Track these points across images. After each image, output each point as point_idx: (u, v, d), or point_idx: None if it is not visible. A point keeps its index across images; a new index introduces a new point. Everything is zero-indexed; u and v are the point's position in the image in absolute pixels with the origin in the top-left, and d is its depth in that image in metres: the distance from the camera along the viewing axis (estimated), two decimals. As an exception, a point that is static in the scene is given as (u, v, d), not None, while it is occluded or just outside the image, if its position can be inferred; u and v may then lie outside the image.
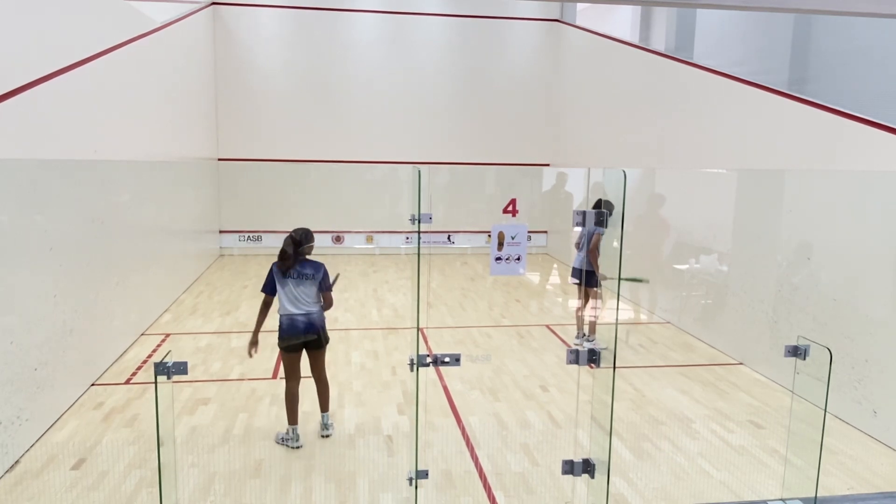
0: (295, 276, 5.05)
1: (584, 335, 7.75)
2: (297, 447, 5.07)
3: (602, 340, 7.25)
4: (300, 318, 5.08)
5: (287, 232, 5.16)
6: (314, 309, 5.13)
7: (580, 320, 8.00)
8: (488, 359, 7.29)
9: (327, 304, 5.22)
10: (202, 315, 8.87)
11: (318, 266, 5.13)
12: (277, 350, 6.91)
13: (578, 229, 7.43)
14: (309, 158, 13.59)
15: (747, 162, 7.65)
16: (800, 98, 6.91)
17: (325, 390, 5.31)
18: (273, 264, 5.13)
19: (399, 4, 13.79)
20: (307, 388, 5.35)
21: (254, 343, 5.14)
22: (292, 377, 5.17)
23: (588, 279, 7.34)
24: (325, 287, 5.15)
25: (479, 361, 7.14)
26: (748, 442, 5.40)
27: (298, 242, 5.06)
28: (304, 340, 5.11)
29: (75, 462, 4.79)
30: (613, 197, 3.54)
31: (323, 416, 5.32)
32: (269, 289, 5.12)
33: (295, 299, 5.07)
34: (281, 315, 5.11)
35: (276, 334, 5.13)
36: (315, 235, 5.22)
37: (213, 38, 13.07)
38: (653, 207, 8.83)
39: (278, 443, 5.13)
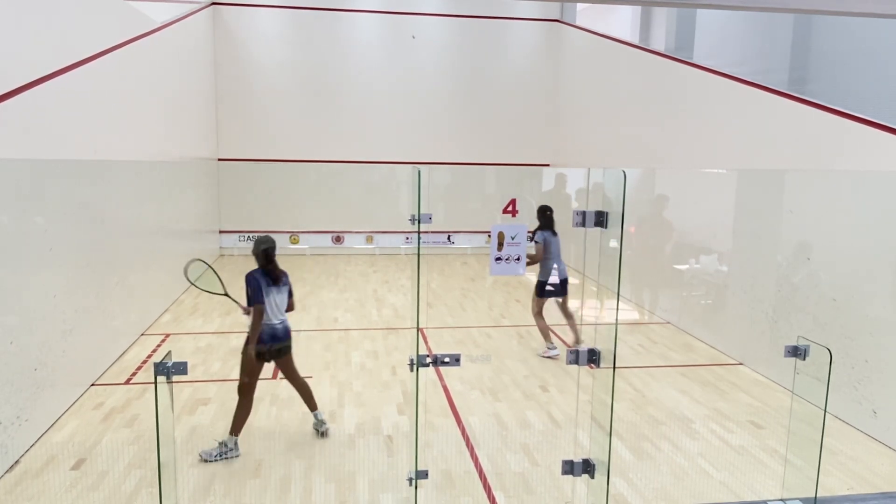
0: (280, 284, 5.04)
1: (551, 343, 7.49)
2: (237, 456, 4.90)
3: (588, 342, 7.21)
4: (279, 326, 5.06)
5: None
6: (285, 316, 5.14)
7: (545, 331, 7.55)
8: (488, 359, 7.28)
9: (291, 307, 5.22)
10: (202, 315, 8.87)
11: (286, 273, 5.15)
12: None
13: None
14: (309, 158, 13.58)
15: (747, 162, 7.65)
16: (800, 98, 6.91)
17: (306, 390, 5.28)
18: (256, 273, 4.96)
19: (399, 4, 13.80)
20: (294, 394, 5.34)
21: (259, 353, 5.00)
22: (253, 388, 5.03)
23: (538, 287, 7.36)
24: (290, 293, 5.17)
25: (478, 361, 7.14)
26: (748, 442, 5.40)
27: (272, 249, 5.01)
28: (279, 347, 5.07)
29: (75, 462, 4.80)
30: (614, 197, 3.53)
31: (315, 415, 5.30)
32: (262, 298, 4.95)
33: (276, 308, 5.03)
34: (263, 324, 4.96)
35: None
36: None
37: (213, 38, 13.07)
38: (657, 209, 8.82)
39: (213, 460, 4.81)
